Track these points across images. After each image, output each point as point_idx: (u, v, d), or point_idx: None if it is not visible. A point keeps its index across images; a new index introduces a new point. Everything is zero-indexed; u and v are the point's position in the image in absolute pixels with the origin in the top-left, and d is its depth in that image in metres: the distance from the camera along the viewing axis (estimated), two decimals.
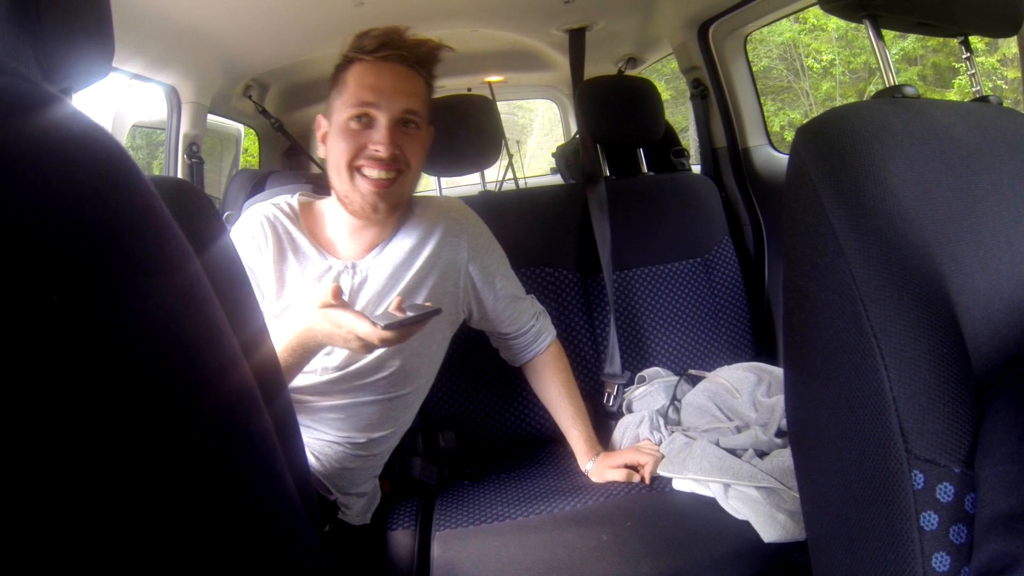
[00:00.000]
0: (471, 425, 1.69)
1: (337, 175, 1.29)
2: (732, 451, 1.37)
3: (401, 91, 1.26)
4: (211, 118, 2.72)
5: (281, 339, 1.19)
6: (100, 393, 0.35)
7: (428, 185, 3.90)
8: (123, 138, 2.09)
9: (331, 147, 1.30)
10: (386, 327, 1.08)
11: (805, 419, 0.78)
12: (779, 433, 1.40)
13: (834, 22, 7.34)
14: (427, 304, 1.17)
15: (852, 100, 7.61)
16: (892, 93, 0.83)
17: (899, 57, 6.96)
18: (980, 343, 0.65)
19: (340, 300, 1.13)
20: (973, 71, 1.02)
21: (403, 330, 1.11)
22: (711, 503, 1.31)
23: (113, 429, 0.35)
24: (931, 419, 0.62)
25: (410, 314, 1.10)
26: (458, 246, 1.43)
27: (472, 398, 1.69)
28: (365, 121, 1.26)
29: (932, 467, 0.62)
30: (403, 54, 1.28)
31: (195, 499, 0.40)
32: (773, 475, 1.26)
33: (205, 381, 0.42)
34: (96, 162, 0.38)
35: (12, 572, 0.31)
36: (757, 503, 1.25)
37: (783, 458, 1.30)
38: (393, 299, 1.19)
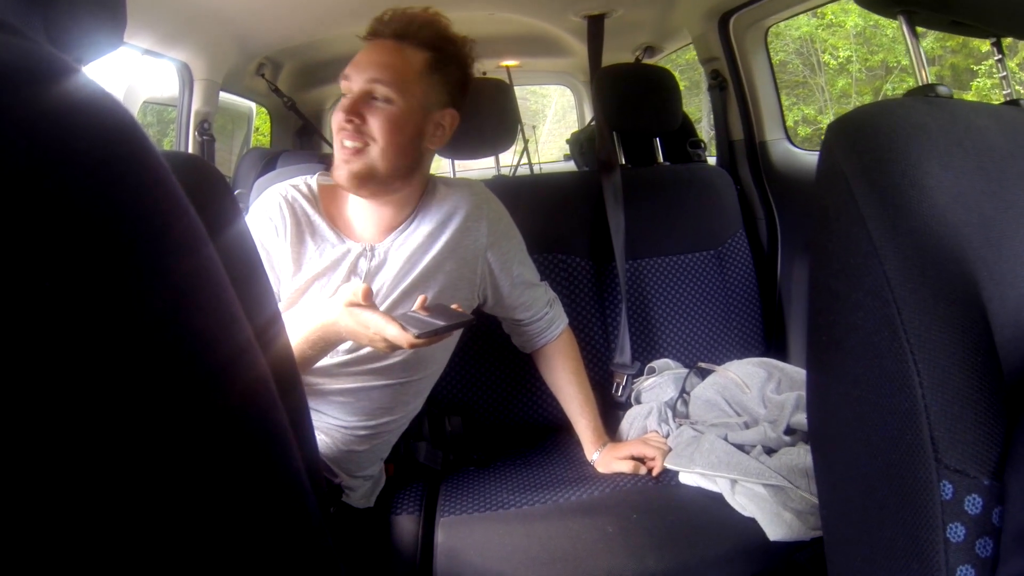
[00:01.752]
0: (478, 410, 1.68)
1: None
2: (740, 447, 1.36)
3: (372, 63, 1.26)
4: (223, 96, 2.70)
5: (301, 329, 1.19)
6: (101, 383, 0.34)
7: (439, 167, 3.92)
8: (134, 114, 2.06)
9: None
10: (420, 335, 1.06)
11: (828, 420, 0.76)
12: (788, 430, 1.39)
13: (852, 19, 7.28)
14: (455, 307, 1.16)
15: (868, 98, 7.56)
16: (925, 92, 0.80)
17: None
18: (1010, 352, 0.63)
19: (369, 301, 1.12)
20: (1004, 74, 0.99)
21: (435, 337, 1.10)
22: (717, 498, 1.30)
23: (120, 418, 0.35)
24: (962, 429, 0.61)
25: (441, 323, 1.09)
26: (478, 231, 1.41)
27: (480, 383, 1.69)
28: (346, 94, 1.27)
29: (962, 478, 0.61)
30: (392, 28, 1.27)
31: (208, 485, 0.39)
32: (781, 473, 1.25)
33: (218, 370, 0.41)
34: (101, 130, 0.36)
35: (25, 558, 0.30)
36: (764, 501, 1.24)
37: (791, 456, 1.30)
38: (418, 299, 1.19)
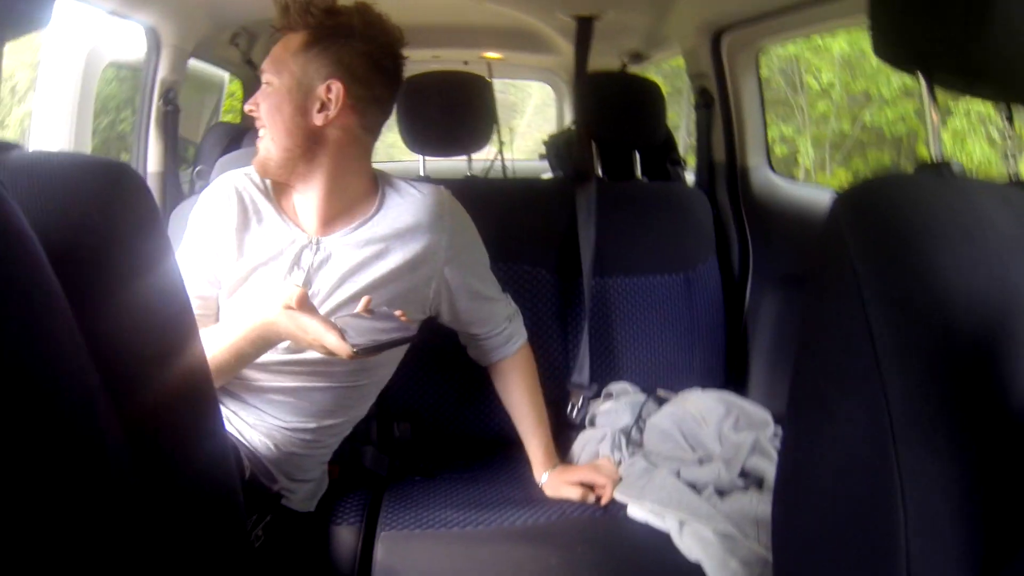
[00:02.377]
0: (428, 418, 1.62)
1: None
2: (692, 484, 1.32)
3: (273, 53, 1.27)
4: (194, 62, 2.60)
5: (240, 324, 1.14)
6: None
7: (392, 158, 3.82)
8: (96, 77, 1.95)
9: None
10: (359, 351, 1.03)
11: (799, 481, 0.71)
12: (742, 473, 1.35)
13: (839, 44, 7.31)
14: (399, 314, 1.12)
15: (845, 123, 7.62)
16: (938, 170, 0.75)
17: (899, 89, 6.97)
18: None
19: (306, 305, 1.08)
20: (1012, 149, 0.94)
21: (374, 352, 1.06)
22: (664, 538, 1.25)
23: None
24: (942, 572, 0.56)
25: (382, 339, 1.06)
26: (437, 244, 1.34)
27: (433, 390, 1.62)
28: None
29: None
30: (282, 23, 1.26)
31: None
32: (731, 519, 1.21)
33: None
34: None
35: None
36: (711, 546, 1.19)
37: (743, 502, 1.26)
38: (362, 300, 1.14)
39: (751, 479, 1.35)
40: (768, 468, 1.33)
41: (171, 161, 2.00)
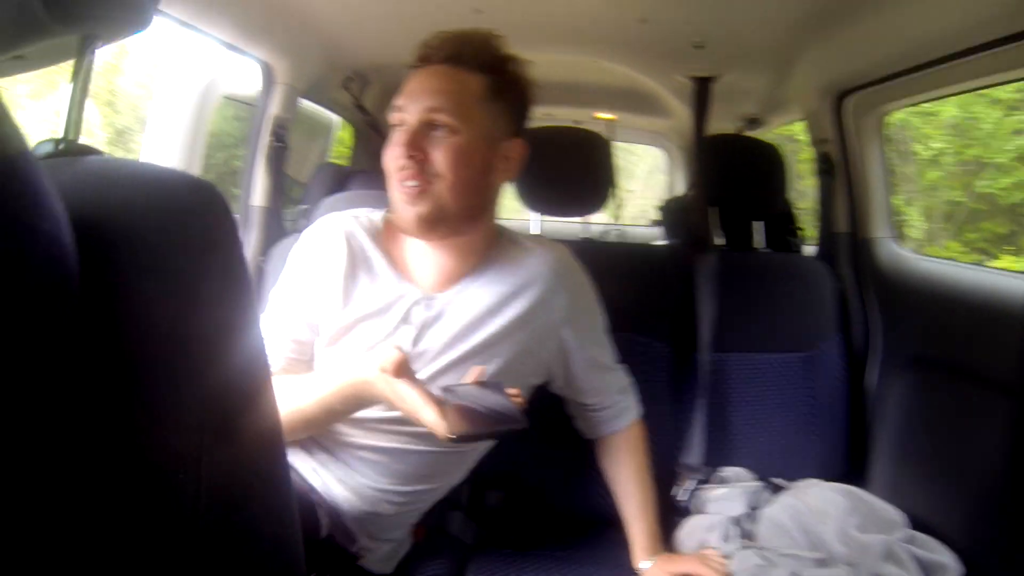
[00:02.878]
0: (525, 487, 1.53)
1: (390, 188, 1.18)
2: None
3: (428, 91, 1.13)
4: (307, 103, 2.65)
5: (335, 380, 1.08)
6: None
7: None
8: (210, 108, 2.00)
9: None
10: (457, 438, 0.92)
11: None
12: None
13: (948, 110, 7.06)
14: (514, 393, 1.02)
15: (957, 193, 7.29)
16: None
17: (1014, 155, 6.66)
18: None
19: (405, 372, 0.99)
20: None
21: (474, 440, 0.99)
22: None
23: None
24: None
25: (484, 428, 0.95)
26: (555, 303, 1.26)
27: (532, 458, 1.53)
28: (401, 126, 1.14)
29: None
30: (445, 52, 1.15)
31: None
32: None
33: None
34: None
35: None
36: None
37: None
38: (473, 370, 1.05)
39: None
40: None
41: (276, 197, 2.02)
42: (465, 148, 1.12)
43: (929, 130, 7.54)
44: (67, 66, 0.66)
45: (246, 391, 0.55)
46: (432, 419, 0.95)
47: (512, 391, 1.01)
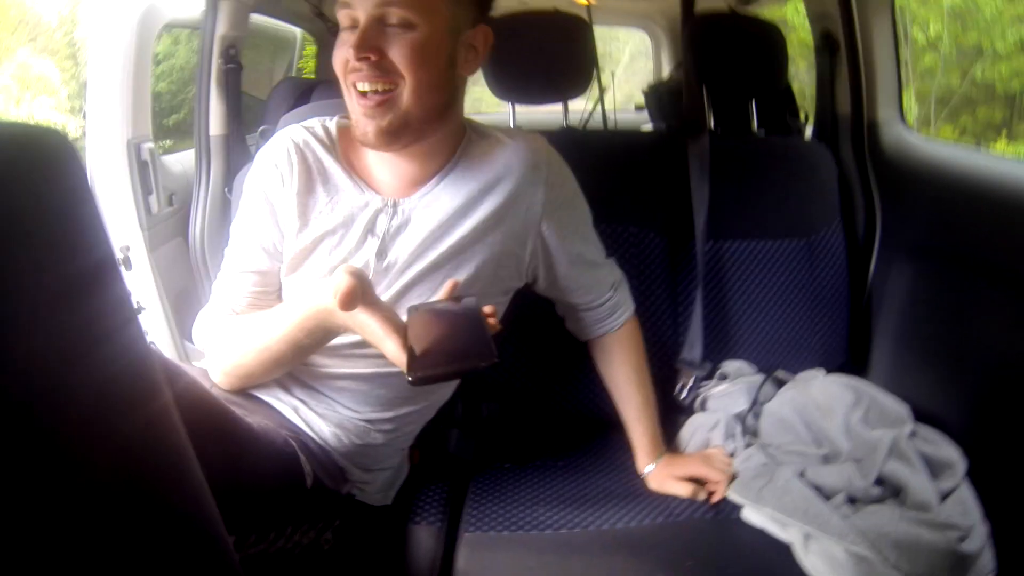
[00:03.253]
0: (520, 397, 1.47)
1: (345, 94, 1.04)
2: (818, 488, 1.13)
3: None
4: (264, 19, 2.47)
5: (296, 312, 0.98)
6: None
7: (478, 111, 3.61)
8: (152, 39, 1.84)
9: None
10: (416, 380, 0.78)
11: None
12: (878, 480, 1.14)
13: None
14: (489, 311, 0.90)
15: (954, 78, 7.12)
16: None
17: (1016, 43, 6.49)
18: None
19: (355, 300, 0.86)
20: None
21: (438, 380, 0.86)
22: (786, 552, 1.09)
23: None
24: None
25: (449, 367, 0.82)
26: (533, 197, 1.15)
27: (525, 366, 1.46)
28: (352, 26, 1.00)
29: None
30: None
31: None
32: (867, 536, 1.01)
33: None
34: None
35: None
36: (842, 568, 1.02)
37: (880, 517, 1.05)
38: (446, 285, 0.95)
39: (888, 488, 1.14)
40: (910, 477, 1.12)
41: (235, 123, 1.89)
42: (425, 43, 1.00)
43: (927, 14, 7.31)
44: None
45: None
46: (394, 353, 0.86)
47: (487, 310, 0.90)
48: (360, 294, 0.86)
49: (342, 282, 0.85)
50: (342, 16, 1.01)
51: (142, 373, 0.51)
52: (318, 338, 1.00)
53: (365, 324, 0.89)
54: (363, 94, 1.00)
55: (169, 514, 0.53)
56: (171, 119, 3.99)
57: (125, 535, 0.48)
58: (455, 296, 0.93)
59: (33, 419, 0.42)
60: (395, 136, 1.03)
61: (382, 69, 0.98)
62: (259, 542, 0.98)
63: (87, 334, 0.46)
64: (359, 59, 0.97)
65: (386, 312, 0.89)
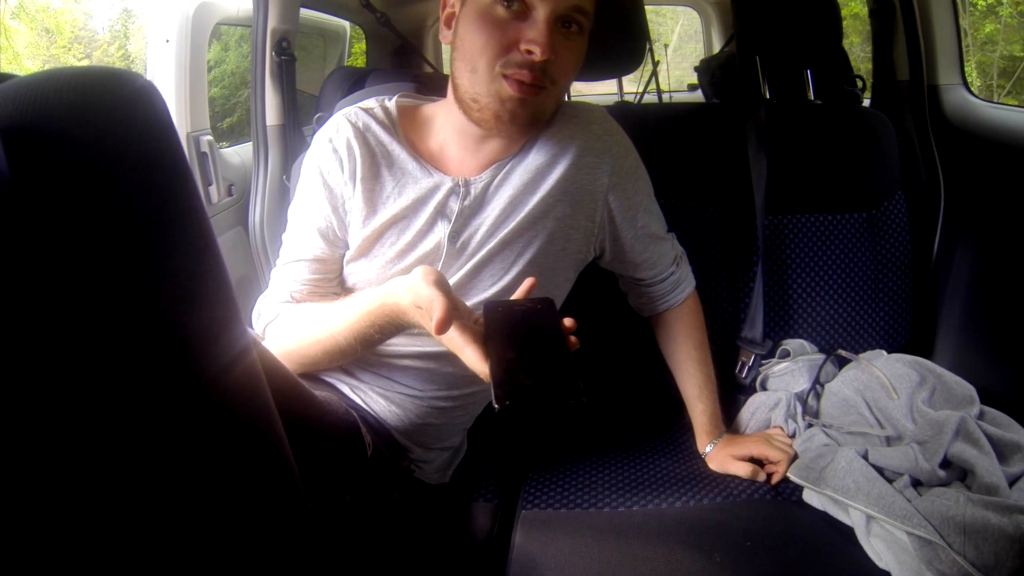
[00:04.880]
0: (582, 373, 1.45)
1: (470, 72, 1.01)
2: (881, 470, 1.09)
3: None
4: (315, 14, 2.48)
5: (365, 303, 0.96)
6: (106, 374, 0.43)
7: None
8: (206, 35, 1.87)
9: (464, 34, 1.01)
10: (504, 407, 0.69)
11: None
12: (944, 462, 1.09)
13: None
14: (569, 324, 0.82)
15: (1016, 47, 6.81)
16: None
17: None
18: None
19: (451, 322, 0.80)
20: None
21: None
22: (848, 534, 1.06)
23: (119, 410, 0.43)
24: None
25: (533, 403, 0.71)
26: (599, 169, 1.14)
27: (588, 341, 1.44)
28: (517, 9, 0.96)
29: None
30: None
31: (200, 479, 0.49)
32: (932, 520, 0.97)
33: (215, 370, 0.50)
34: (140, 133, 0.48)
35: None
36: (905, 553, 0.98)
37: (947, 501, 0.99)
38: (524, 283, 0.91)
39: (954, 471, 1.10)
40: (978, 459, 1.07)
41: (291, 113, 1.91)
42: (583, 50, 1.02)
43: None
44: None
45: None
46: (474, 362, 0.80)
47: (568, 324, 0.82)
48: (451, 318, 0.80)
49: (437, 305, 0.80)
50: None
51: (236, 319, 0.54)
52: (387, 334, 0.99)
53: (446, 341, 0.84)
54: (514, 81, 0.98)
55: (262, 458, 0.58)
56: (225, 123, 4.06)
57: (235, 469, 0.53)
58: (531, 298, 0.88)
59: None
60: (527, 127, 1.04)
61: (542, 70, 0.98)
62: (316, 508, 1.00)
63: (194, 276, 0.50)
64: (543, 58, 0.96)
65: (463, 319, 0.83)
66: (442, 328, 0.79)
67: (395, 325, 0.95)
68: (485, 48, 0.98)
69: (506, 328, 0.81)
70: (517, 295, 0.90)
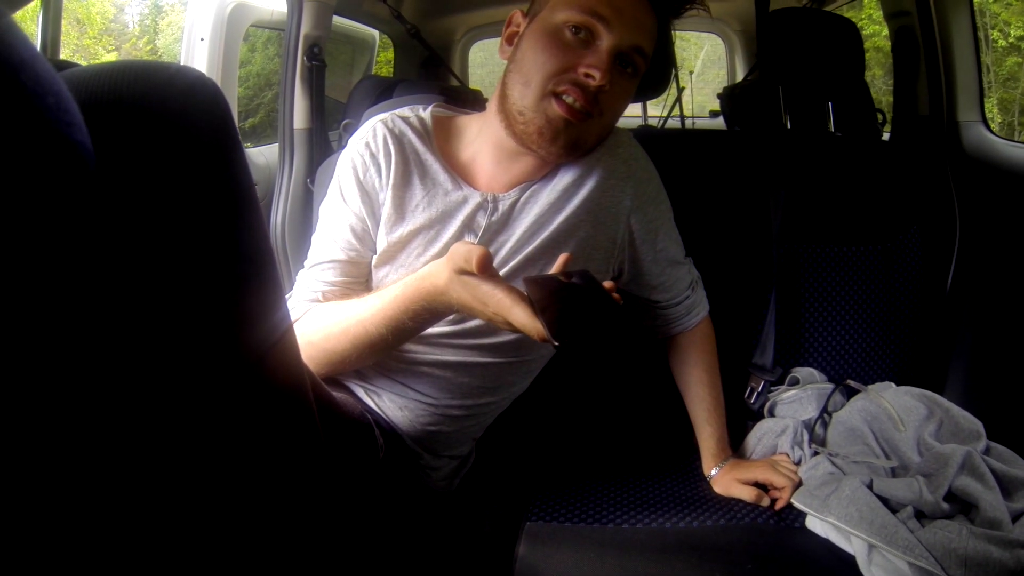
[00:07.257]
0: (592, 391, 1.50)
1: (523, 84, 1.04)
2: (885, 500, 1.10)
3: (638, 20, 1.02)
4: (345, 22, 2.52)
5: (402, 294, 0.96)
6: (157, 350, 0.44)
7: None
8: (240, 34, 1.90)
9: (526, 50, 1.05)
10: (561, 341, 0.73)
11: None
12: (948, 495, 1.09)
13: None
14: (609, 286, 0.84)
15: None
16: None
17: None
18: None
19: (487, 270, 0.85)
20: None
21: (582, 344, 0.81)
22: (849, 563, 1.06)
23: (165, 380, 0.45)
24: None
25: (593, 330, 0.77)
26: (622, 192, 1.17)
27: (600, 366, 1.49)
28: (583, 37, 1.01)
29: None
30: None
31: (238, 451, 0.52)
32: (934, 551, 0.97)
33: (261, 349, 0.53)
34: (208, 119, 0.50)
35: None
36: None
37: (949, 533, 1.00)
38: (560, 258, 0.94)
39: (958, 504, 1.10)
40: (982, 493, 1.07)
41: (318, 117, 1.95)
42: (632, 92, 1.08)
43: (1008, 16, 7.00)
44: None
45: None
46: (523, 320, 0.81)
47: (607, 285, 0.84)
48: (490, 261, 0.85)
49: (472, 249, 0.84)
50: (579, 18, 1.01)
51: (282, 300, 0.58)
52: (423, 321, 0.98)
53: (489, 295, 0.85)
54: (564, 104, 1.02)
55: (301, 436, 0.61)
56: (248, 123, 4.10)
57: (277, 447, 0.56)
58: (567, 273, 0.89)
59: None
60: (566, 151, 1.07)
61: (595, 97, 1.02)
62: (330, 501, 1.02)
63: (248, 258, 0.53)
64: (600, 83, 1.00)
65: (507, 283, 0.86)
66: (484, 262, 0.83)
67: (430, 309, 0.94)
68: (544, 65, 1.01)
69: (549, 291, 0.83)
70: (554, 270, 0.92)
